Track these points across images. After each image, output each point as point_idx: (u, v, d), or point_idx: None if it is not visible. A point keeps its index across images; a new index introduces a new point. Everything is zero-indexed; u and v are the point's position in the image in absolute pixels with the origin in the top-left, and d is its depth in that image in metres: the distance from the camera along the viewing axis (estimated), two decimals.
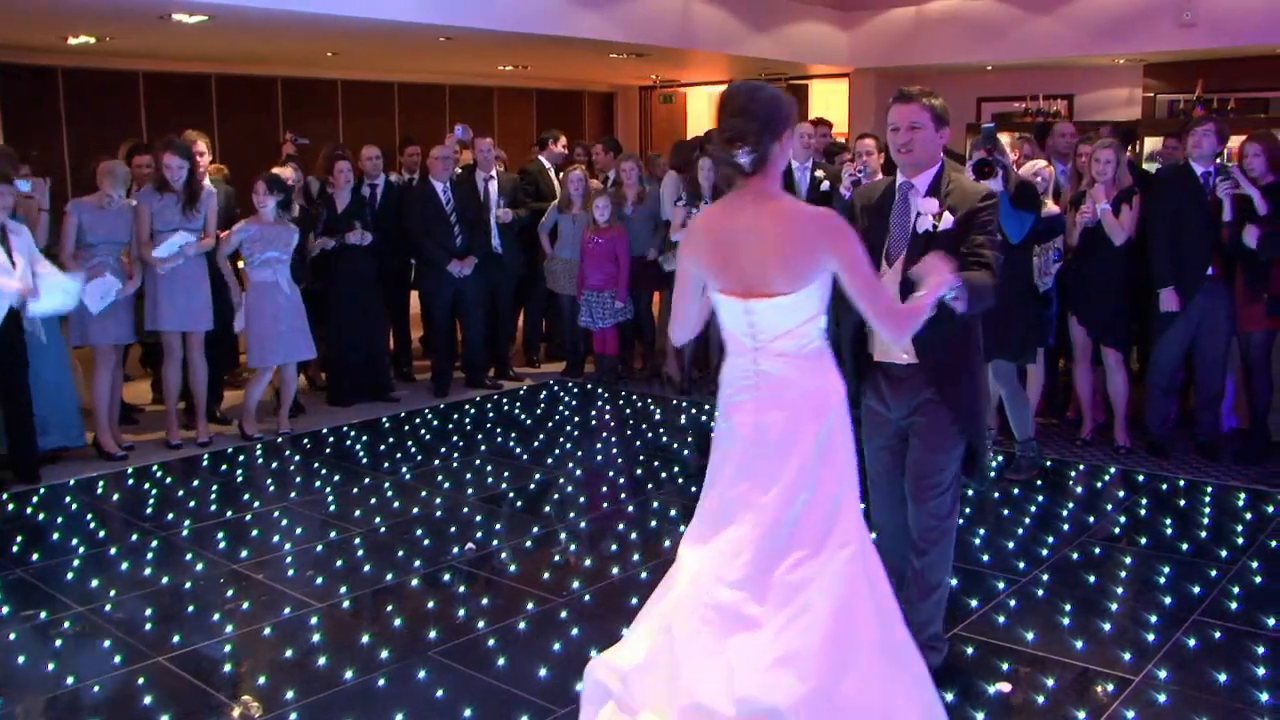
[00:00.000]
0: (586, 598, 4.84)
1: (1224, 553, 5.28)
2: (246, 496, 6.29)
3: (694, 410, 8.25)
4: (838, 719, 2.82)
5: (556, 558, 5.35)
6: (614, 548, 5.46)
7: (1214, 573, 5.03)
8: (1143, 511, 5.94)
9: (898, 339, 3.26)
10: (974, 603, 4.67)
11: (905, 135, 3.75)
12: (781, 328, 3.03)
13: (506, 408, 8.38)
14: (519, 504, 6.20)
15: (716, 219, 3.13)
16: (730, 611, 2.93)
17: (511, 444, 7.35)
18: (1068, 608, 4.64)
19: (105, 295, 6.70)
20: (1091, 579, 4.97)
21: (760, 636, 2.89)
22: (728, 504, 3.08)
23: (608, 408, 8.43)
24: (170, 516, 5.94)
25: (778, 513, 3.00)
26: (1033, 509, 5.95)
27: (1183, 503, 6.05)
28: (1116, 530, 5.68)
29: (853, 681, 2.86)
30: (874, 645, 2.96)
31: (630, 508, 6.10)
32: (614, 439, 7.54)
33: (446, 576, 5.13)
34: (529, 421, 7.95)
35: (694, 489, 6.36)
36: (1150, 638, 4.36)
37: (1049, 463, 6.74)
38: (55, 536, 5.65)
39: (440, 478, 6.62)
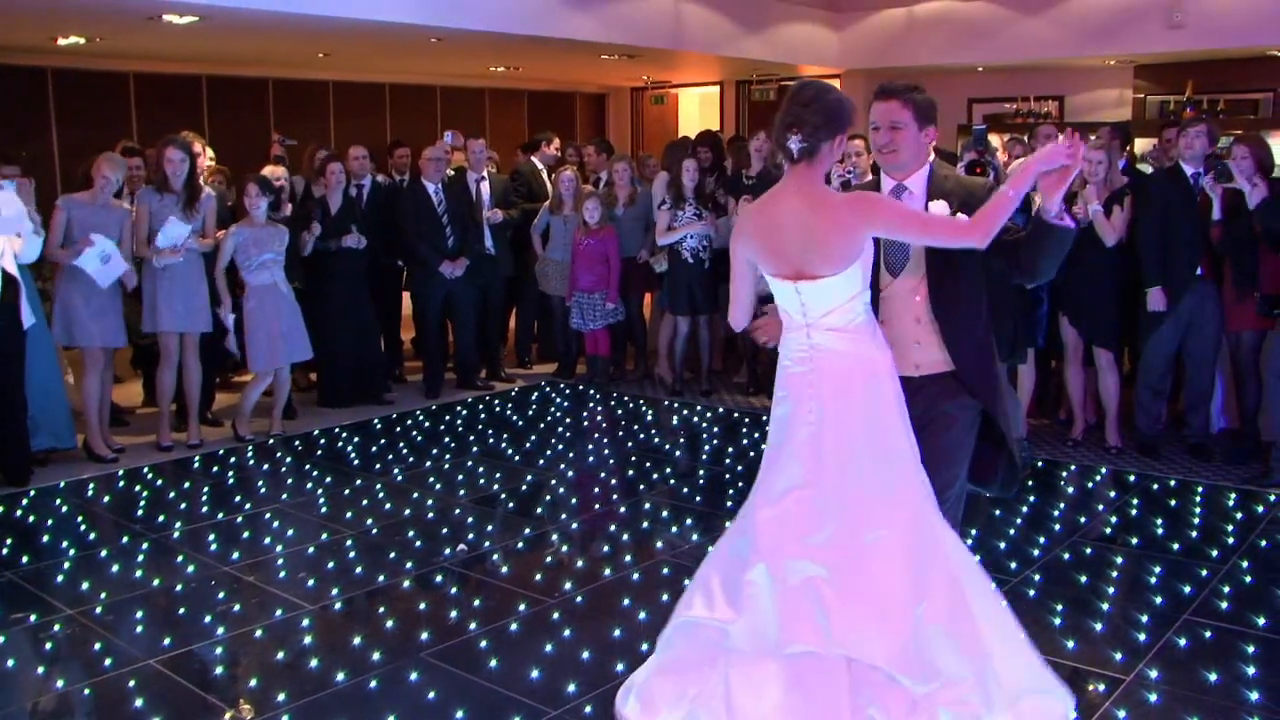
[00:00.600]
0: (579, 599, 4.84)
1: (1214, 552, 5.29)
2: (238, 498, 6.27)
3: (685, 411, 8.25)
4: (939, 644, 3.09)
5: (548, 559, 5.35)
6: (606, 549, 5.47)
7: (1204, 572, 5.04)
8: (1134, 511, 5.95)
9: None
10: None
11: (886, 135, 3.54)
12: (829, 305, 3.25)
13: (498, 409, 8.38)
14: (511, 505, 6.20)
15: (764, 209, 3.35)
16: (813, 572, 3.17)
17: (503, 445, 7.34)
18: (1059, 608, 4.64)
19: (105, 258, 6.62)
20: (1083, 579, 4.98)
21: (845, 595, 3.13)
22: (793, 467, 3.29)
23: (599, 409, 8.42)
24: (161, 518, 5.93)
25: (839, 474, 3.24)
26: (1024, 509, 5.96)
27: (1173, 503, 6.06)
28: (1108, 530, 5.70)
29: (934, 608, 3.11)
30: (946, 585, 3.18)
31: (622, 509, 6.09)
32: (606, 440, 7.54)
33: (438, 578, 5.12)
34: (521, 423, 7.94)
35: (686, 489, 6.40)
36: (1141, 637, 4.37)
37: (1040, 463, 6.75)
38: (45, 539, 5.64)
39: (432, 479, 6.62)
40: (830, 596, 3.13)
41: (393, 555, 5.38)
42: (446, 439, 7.52)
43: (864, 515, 3.20)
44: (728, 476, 6.64)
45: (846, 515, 3.21)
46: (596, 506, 6.21)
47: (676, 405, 8.44)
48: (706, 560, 3.47)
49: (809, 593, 3.16)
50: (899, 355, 3.54)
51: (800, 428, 3.29)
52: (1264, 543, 5.43)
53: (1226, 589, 4.84)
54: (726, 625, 3.25)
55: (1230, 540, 5.46)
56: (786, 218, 3.25)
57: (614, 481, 6.65)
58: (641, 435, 7.64)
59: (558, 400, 8.64)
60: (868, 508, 3.21)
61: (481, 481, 6.57)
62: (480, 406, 8.43)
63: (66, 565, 5.27)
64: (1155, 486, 6.32)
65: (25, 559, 5.33)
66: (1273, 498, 6.07)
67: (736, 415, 8.15)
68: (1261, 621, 4.50)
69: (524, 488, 6.50)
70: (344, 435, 7.60)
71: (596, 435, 7.67)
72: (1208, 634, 4.41)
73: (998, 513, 5.88)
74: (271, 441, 7.42)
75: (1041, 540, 5.46)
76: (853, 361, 3.27)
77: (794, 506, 3.25)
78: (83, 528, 5.81)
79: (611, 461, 7.05)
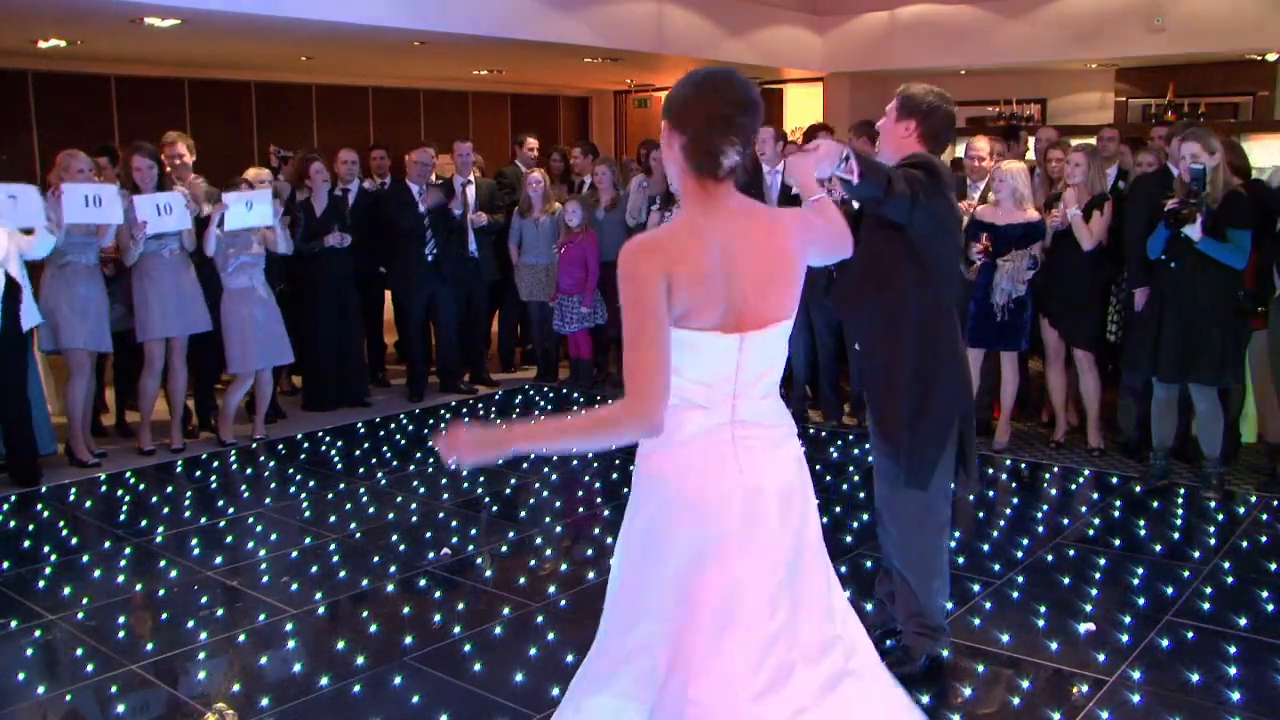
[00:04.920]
0: (563, 602, 4.83)
1: (1196, 553, 5.32)
2: (221, 503, 6.25)
3: None
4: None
5: (533, 563, 5.34)
6: (590, 552, 5.46)
7: (1186, 573, 5.07)
8: (1116, 513, 5.98)
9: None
10: (949, 605, 4.68)
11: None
12: (771, 361, 2.51)
13: (482, 412, 8.37)
14: (495, 509, 6.19)
15: (689, 244, 2.40)
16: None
17: None
18: (1042, 609, 4.66)
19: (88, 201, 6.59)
20: (1066, 580, 5.00)
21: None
22: (758, 604, 2.48)
23: (582, 412, 8.39)
24: (144, 523, 5.90)
25: (807, 590, 2.56)
26: (1007, 511, 5.98)
27: (1155, 504, 6.09)
28: (1090, 532, 5.72)
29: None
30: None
31: (606, 512, 6.09)
32: None
33: (422, 582, 5.11)
34: (504, 426, 7.90)
35: None
36: (1124, 638, 4.39)
37: (1024, 465, 6.78)
38: (27, 544, 5.61)
39: (416, 483, 6.60)
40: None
41: (376, 559, 5.37)
42: (430, 442, 7.50)
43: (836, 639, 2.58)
44: None
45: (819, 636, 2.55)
46: (580, 510, 6.21)
47: None
48: None
49: None
50: None
51: (748, 540, 2.47)
52: (1245, 543, 5.46)
53: (1208, 590, 4.87)
54: None
55: (1212, 541, 5.49)
56: (731, 248, 2.40)
57: (598, 485, 6.65)
58: None
59: (541, 403, 8.63)
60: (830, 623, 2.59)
61: (465, 485, 6.56)
62: (464, 410, 8.42)
63: (48, 570, 5.24)
64: (1137, 488, 6.35)
65: (7, 564, 5.30)
66: (1254, 499, 6.11)
67: None
68: (1243, 622, 4.52)
69: (508, 491, 6.49)
70: (327, 439, 7.58)
71: None
72: (1190, 635, 4.43)
73: (981, 514, 5.91)
74: (255, 445, 7.39)
75: (1025, 542, 5.48)
76: (787, 432, 2.56)
77: (777, 655, 2.46)
78: (65, 533, 5.78)
79: (595, 465, 7.05)
